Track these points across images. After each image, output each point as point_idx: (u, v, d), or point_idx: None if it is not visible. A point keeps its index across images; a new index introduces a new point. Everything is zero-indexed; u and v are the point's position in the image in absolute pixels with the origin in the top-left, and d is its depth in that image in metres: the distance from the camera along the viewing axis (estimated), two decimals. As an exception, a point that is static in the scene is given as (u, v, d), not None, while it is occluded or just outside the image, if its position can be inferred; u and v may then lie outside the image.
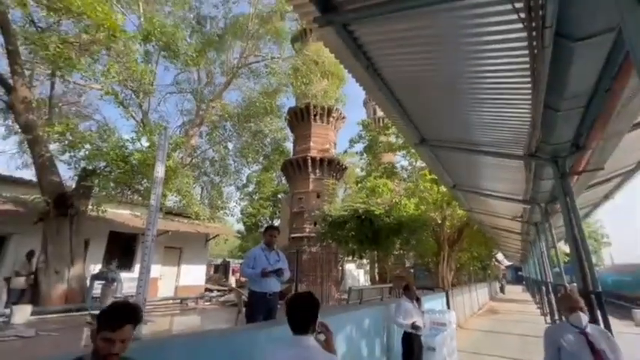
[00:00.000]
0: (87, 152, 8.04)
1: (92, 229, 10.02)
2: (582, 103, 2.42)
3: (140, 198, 10.12)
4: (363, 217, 13.31)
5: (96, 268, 10.38)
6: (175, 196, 10.05)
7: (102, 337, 1.17)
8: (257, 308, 3.62)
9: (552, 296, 8.14)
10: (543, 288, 10.76)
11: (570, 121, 2.68)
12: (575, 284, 8.50)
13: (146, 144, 8.50)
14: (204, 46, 11.01)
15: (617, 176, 5.02)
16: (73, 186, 8.96)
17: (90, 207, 9.07)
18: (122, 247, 12.29)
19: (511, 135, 3.58)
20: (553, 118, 2.64)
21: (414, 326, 4.07)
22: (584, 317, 2.15)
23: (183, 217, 13.70)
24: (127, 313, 1.24)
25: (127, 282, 9.36)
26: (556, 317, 7.27)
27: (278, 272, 3.68)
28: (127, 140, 8.37)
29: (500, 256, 28.42)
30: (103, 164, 8.26)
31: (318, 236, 16.58)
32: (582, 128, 2.87)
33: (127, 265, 12.04)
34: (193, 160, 12.06)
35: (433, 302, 7.27)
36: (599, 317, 3.08)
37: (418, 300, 4.62)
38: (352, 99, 49.69)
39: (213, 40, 11.55)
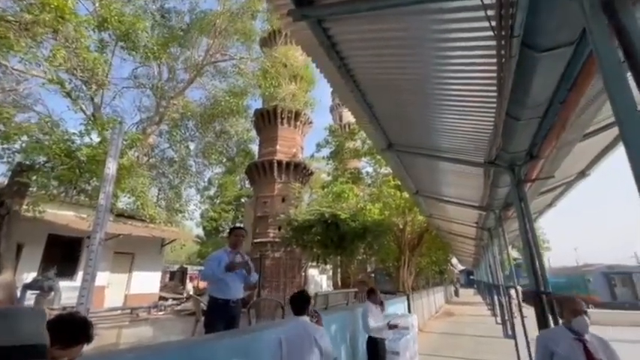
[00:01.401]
0: (24, 145, 7.15)
1: (27, 232, 8.92)
2: (540, 113, 2.57)
3: (87, 198, 9.20)
4: (329, 221, 13.34)
5: (30, 276, 9.25)
6: (128, 198, 9.28)
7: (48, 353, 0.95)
8: (218, 316, 3.36)
9: (503, 298, 8.70)
10: (494, 290, 11.46)
11: (528, 130, 2.84)
12: (519, 287, 9.13)
13: (97, 139, 7.77)
14: (168, 40, 10.40)
15: (561, 185, 5.49)
16: (5, 182, 7.92)
17: (25, 207, 8.05)
18: (63, 253, 11.11)
19: (473, 142, 3.74)
20: (514, 127, 2.78)
21: (390, 326, 4.08)
22: (588, 322, 1.97)
23: (136, 220, 12.70)
24: (84, 330, 1.04)
25: (69, 291, 8.44)
26: (506, 317, 7.75)
27: (247, 267, 3.49)
28: (74, 134, 7.59)
29: (454, 260, 30.03)
30: (43, 159, 7.39)
31: (283, 241, 16.32)
32: (537, 137, 3.06)
33: (68, 272, 10.89)
34: (150, 160, 11.28)
35: (395, 306, 7.40)
36: (549, 316, 3.28)
37: (382, 304, 4.64)
38: (318, 105, 50.04)
39: (177, 35, 10.96)
